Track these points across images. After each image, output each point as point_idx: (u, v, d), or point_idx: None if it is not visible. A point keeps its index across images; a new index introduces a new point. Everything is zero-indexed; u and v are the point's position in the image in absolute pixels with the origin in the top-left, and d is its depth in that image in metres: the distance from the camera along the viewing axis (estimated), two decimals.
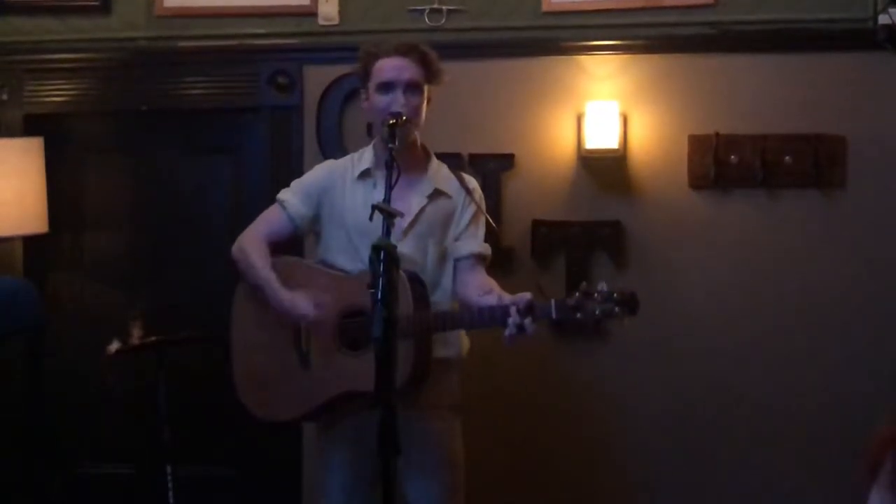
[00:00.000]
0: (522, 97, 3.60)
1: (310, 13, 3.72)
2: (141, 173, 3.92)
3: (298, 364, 2.68)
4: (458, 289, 2.71)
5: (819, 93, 3.50)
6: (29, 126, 3.77)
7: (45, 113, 3.80)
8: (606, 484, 3.60)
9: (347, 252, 2.69)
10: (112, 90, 3.79)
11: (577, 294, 2.45)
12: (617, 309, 2.42)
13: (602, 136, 3.48)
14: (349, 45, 3.58)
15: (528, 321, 2.40)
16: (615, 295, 2.43)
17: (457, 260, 2.73)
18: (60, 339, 3.83)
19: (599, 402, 3.60)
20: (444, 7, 3.65)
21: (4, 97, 3.78)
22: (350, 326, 2.62)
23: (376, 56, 2.68)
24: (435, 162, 2.79)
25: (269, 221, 2.80)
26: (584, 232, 3.57)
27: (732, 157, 3.52)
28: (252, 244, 2.75)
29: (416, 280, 2.58)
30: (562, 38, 3.60)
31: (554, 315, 2.44)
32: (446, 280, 2.73)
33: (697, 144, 3.54)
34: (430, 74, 2.69)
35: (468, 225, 2.75)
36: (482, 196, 2.83)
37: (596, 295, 2.44)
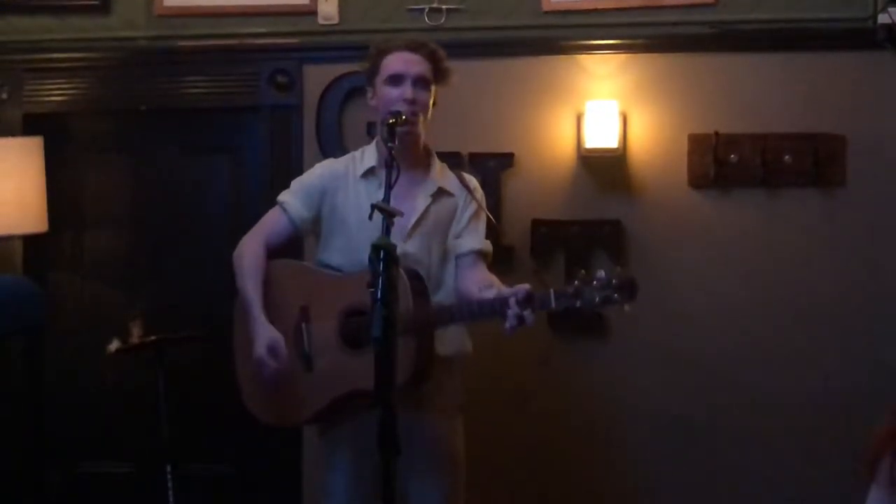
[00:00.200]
0: (522, 96, 3.60)
1: (309, 12, 3.71)
2: (140, 173, 3.92)
3: (301, 366, 2.67)
4: (459, 285, 2.70)
5: (819, 92, 3.51)
6: (28, 125, 3.76)
7: (44, 112, 3.80)
8: (607, 483, 3.60)
9: (348, 251, 2.69)
10: (112, 90, 3.79)
11: (575, 282, 2.43)
12: (616, 295, 2.40)
13: (602, 135, 3.48)
14: (349, 44, 3.60)
15: (527, 312, 2.40)
16: (614, 281, 2.41)
17: (458, 257, 2.73)
18: (60, 339, 3.84)
19: (599, 401, 3.60)
20: (443, 6, 3.65)
21: (4, 96, 3.78)
22: (352, 325, 2.61)
23: (386, 51, 2.69)
24: (437, 161, 2.79)
25: (270, 224, 2.80)
26: (583, 231, 3.57)
27: (732, 156, 3.52)
28: (250, 255, 2.74)
29: (415, 276, 2.58)
30: (562, 38, 3.60)
31: (553, 304, 2.43)
32: (449, 279, 2.73)
33: (697, 144, 3.54)
34: (439, 72, 2.70)
35: (469, 222, 2.75)
36: (483, 195, 2.83)
37: (594, 282, 2.42)
